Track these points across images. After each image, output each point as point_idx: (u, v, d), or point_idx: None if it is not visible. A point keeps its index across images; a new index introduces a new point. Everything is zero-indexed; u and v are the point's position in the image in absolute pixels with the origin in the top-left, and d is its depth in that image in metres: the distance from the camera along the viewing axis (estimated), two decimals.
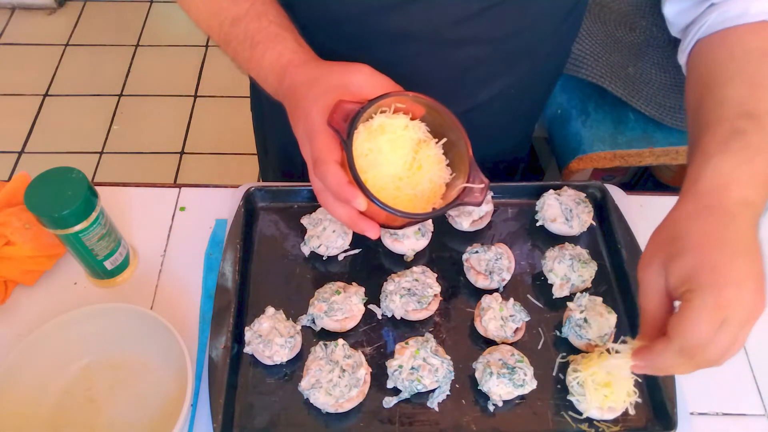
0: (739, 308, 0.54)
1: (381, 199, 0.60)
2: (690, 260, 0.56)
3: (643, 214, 0.94)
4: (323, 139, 0.62)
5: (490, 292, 0.83)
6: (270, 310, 0.79)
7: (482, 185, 0.63)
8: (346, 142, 0.60)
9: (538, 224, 0.90)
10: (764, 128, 0.61)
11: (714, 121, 0.63)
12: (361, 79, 0.65)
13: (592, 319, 0.78)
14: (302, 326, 0.81)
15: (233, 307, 0.81)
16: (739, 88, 0.65)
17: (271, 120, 1.08)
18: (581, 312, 0.78)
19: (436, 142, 0.67)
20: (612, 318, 0.78)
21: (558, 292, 0.83)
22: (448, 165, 0.67)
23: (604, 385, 0.71)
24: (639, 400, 0.74)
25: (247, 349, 0.77)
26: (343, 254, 0.88)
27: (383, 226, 0.66)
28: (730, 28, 0.70)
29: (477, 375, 0.76)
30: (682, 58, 0.77)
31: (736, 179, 0.59)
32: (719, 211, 0.58)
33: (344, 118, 0.61)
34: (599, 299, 0.80)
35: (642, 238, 0.87)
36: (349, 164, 0.60)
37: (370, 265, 0.88)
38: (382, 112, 0.65)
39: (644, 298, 0.60)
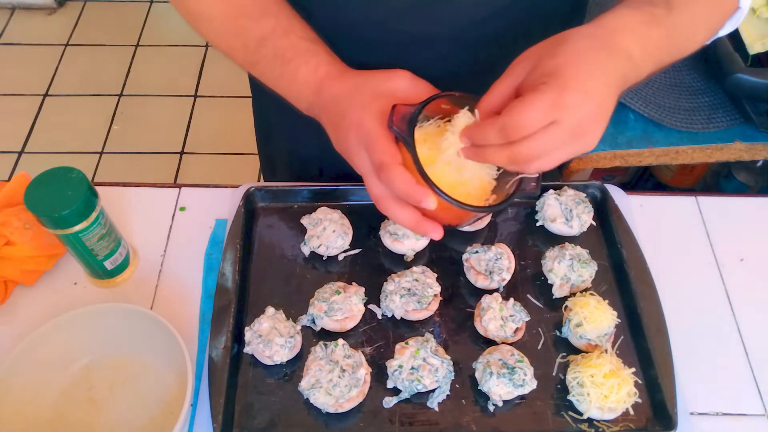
0: (572, 115, 0.56)
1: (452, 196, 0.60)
2: (558, 63, 0.58)
3: (643, 214, 0.94)
4: (384, 143, 0.62)
5: (490, 292, 0.83)
6: (270, 310, 0.79)
7: (536, 174, 0.63)
8: (408, 143, 0.60)
9: (538, 224, 0.90)
10: (671, 14, 0.64)
11: None
12: (405, 84, 0.66)
13: (591, 319, 0.78)
14: (302, 326, 0.81)
15: (233, 307, 0.81)
16: None
17: (279, 132, 1.07)
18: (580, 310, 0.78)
19: None
20: (612, 318, 0.78)
21: (558, 292, 0.83)
22: None
23: (605, 376, 0.72)
24: (639, 400, 0.74)
25: (247, 349, 0.77)
26: (343, 254, 0.88)
27: (442, 225, 0.66)
28: None
29: (477, 375, 0.76)
30: None
31: (631, 32, 0.62)
32: (607, 46, 0.60)
33: (401, 120, 0.61)
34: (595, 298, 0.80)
35: (642, 238, 0.87)
36: (415, 164, 0.60)
37: (370, 265, 0.88)
38: (425, 116, 0.66)
39: (498, 83, 0.61)
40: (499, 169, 0.67)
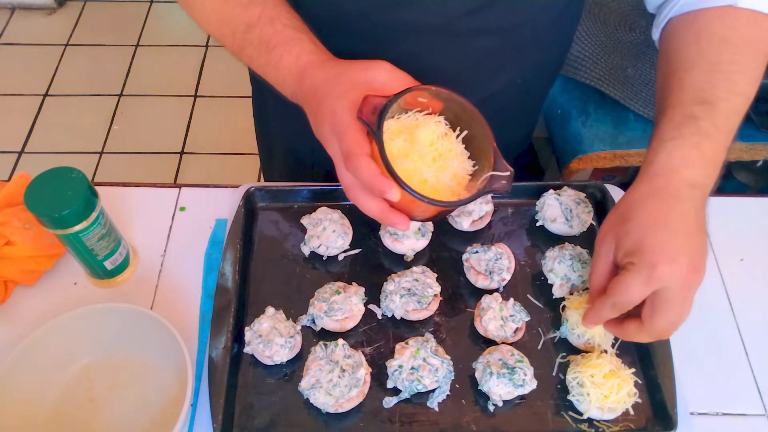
0: (673, 281, 0.63)
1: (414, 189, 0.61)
2: (635, 239, 0.65)
3: None
4: (353, 133, 0.62)
5: (490, 292, 0.83)
6: (270, 310, 0.79)
7: (508, 173, 0.64)
8: (376, 134, 0.60)
9: (538, 224, 0.90)
10: (716, 115, 0.67)
11: (672, 106, 0.69)
12: (383, 76, 0.66)
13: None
14: (302, 326, 0.81)
15: (233, 307, 0.81)
16: (698, 74, 0.70)
17: (276, 124, 1.08)
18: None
19: (457, 136, 0.67)
20: None
21: (558, 292, 0.83)
22: (469, 157, 0.68)
23: (605, 377, 0.72)
24: (639, 400, 0.74)
25: (247, 349, 0.77)
26: (343, 254, 0.88)
27: (412, 218, 0.67)
28: (699, 10, 0.73)
29: (477, 375, 0.76)
30: (655, 34, 0.81)
31: (686, 163, 0.66)
32: (666, 194, 0.65)
33: (372, 112, 0.61)
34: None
35: None
36: (381, 155, 0.60)
37: (370, 265, 0.88)
38: (403, 108, 0.66)
39: (595, 266, 0.70)
40: (474, 164, 0.68)
